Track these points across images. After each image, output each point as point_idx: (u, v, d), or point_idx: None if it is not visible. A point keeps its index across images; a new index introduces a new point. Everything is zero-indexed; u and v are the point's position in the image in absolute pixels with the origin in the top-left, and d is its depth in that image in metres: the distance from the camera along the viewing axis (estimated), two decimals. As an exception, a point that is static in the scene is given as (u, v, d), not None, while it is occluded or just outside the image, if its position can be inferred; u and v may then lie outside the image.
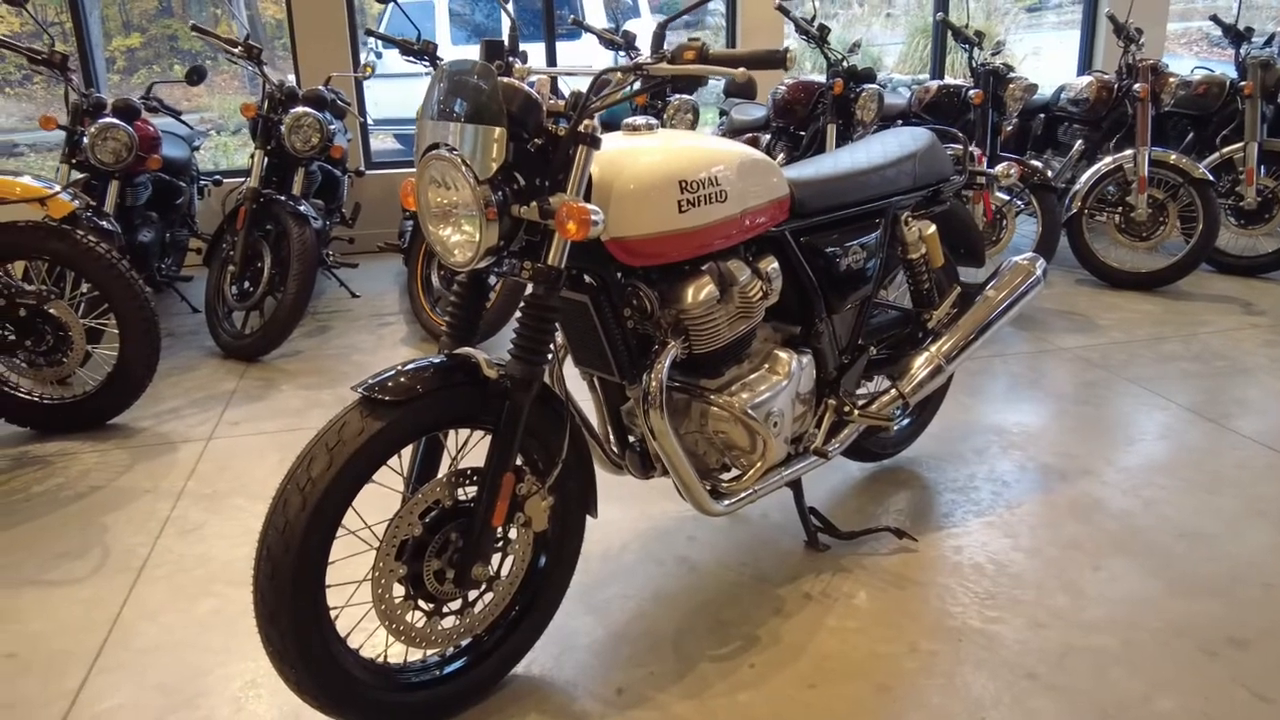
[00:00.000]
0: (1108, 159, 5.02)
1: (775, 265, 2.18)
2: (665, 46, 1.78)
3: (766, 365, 2.23)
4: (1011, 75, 4.85)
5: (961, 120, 5.05)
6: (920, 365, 2.61)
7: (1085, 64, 7.11)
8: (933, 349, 2.64)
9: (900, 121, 5.48)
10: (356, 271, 5.27)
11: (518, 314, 1.82)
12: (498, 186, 1.70)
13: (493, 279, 1.94)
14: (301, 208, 4.16)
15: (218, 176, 5.46)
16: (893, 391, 2.57)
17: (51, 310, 3.27)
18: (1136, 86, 4.92)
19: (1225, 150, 5.23)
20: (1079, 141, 5.34)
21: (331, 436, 1.64)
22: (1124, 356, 3.99)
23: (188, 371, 4.05)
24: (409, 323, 4.62)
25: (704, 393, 2.12)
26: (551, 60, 6.13)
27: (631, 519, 2.67)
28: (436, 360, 1.80)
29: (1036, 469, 2.97)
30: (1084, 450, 3.10)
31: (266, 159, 4.30)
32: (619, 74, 1.79)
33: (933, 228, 2.64)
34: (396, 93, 8.78)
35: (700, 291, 2.00)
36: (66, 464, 3.16)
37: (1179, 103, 5.43)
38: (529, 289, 1.81)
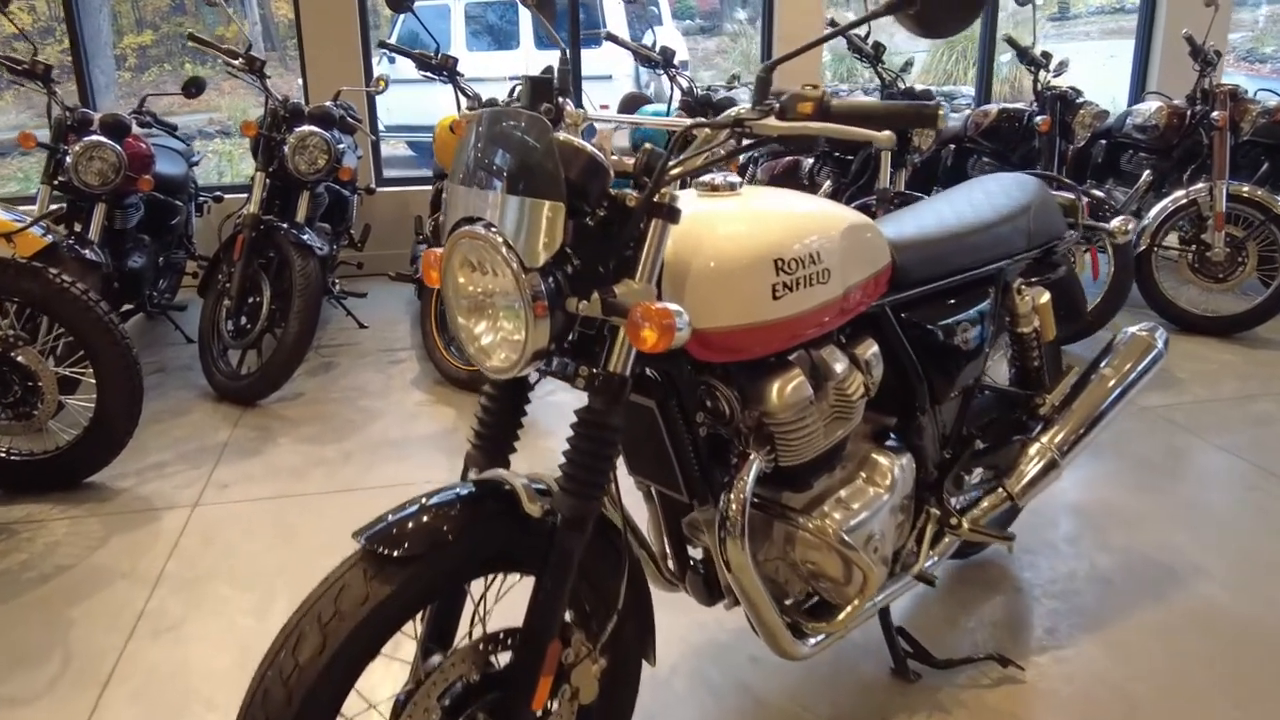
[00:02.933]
0: (1179, 192, 4.62)
1: (875, 350, 1.80)
2: (769, 95, 1.38)
3: (863, 473, 1.84)
4: (1081, 100, 4.46)
5: (1024, 148, 4.65)
6: (1031, 460, 2.21)
7: (1139, 85, 6.70)
8: (1044, 439, 2.24)
9: (953, 147, 5.08)
10: (365, 297, 4.89)
11: (570, 432, 1.43)
12: (549, 271, 1.32)
13: (533, 375, 1.54)
14: (305, 236, 3.78)
15: (218, 193, 5.08)
16: (999, 492, 2.18)
17: (19, 358, 2.89)
18: (1215, 114, 4.53)
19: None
20: (1146, 172, 4.93)
21: (326, 606, 1.25)
22: (1212, 419, 3.58)
23: (177, 416, 3.67)
24: (421, 360, 4.24)
25: (789, 513, 1.73)
26: (577, 73, 5.75)
27: (681, 629, 2.28)
28: (462, 491, 1.42)
29: (1141, 564, 2.57)
30: (1189, 539, 2.70)
31: (268, 182, 3.92)
32: (708, 129, 1.41)
33: (1046, 296, 2.25)
34: (409, 97, 8.43)
35: (790, 390, 1.61)
36: (33, 534, 2.78)
37: (1256, 131, 5.02)
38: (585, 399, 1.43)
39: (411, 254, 4.95)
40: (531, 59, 8.98)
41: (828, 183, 4.50)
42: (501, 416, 1.56)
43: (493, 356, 1.41)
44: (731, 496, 1.60)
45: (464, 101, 3.98)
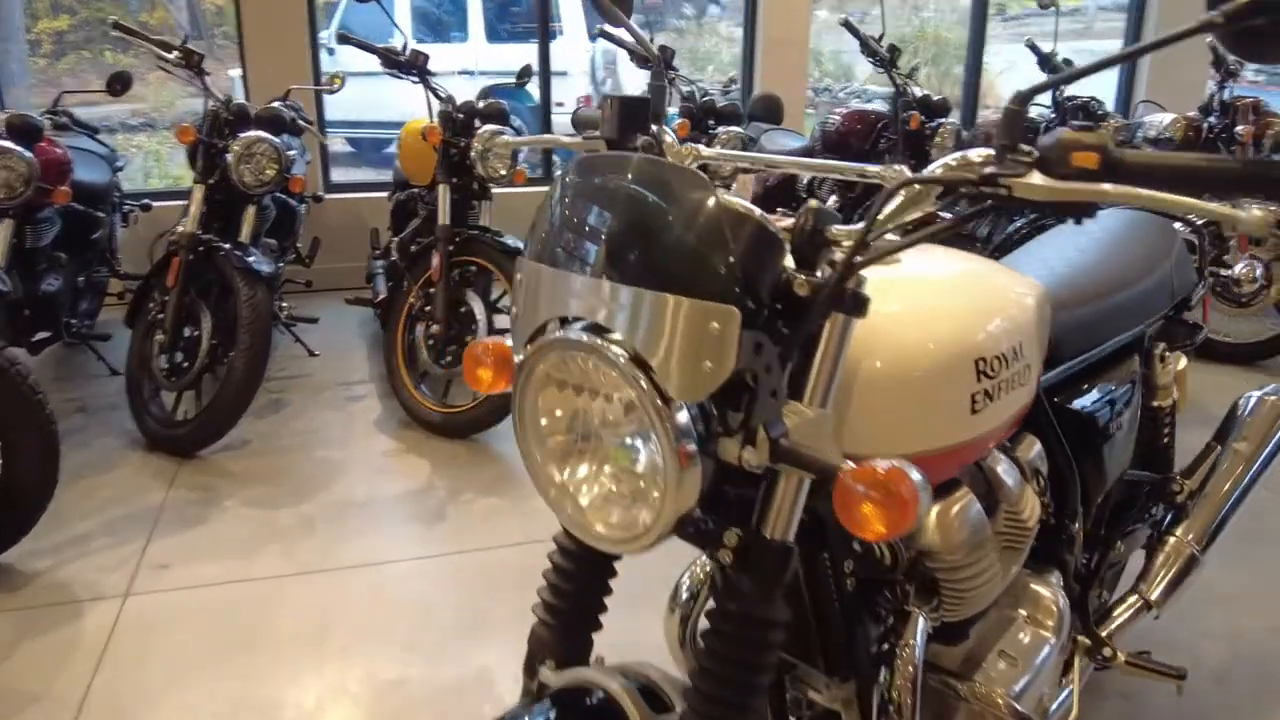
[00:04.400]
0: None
1: (1039, 449, 1.40)
2: (1014, 133, 0.95)
3: (1023, 610, 1.43)
4: (1104, 111, 4.14)
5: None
6: (1169, 558, 1.83)
7: (1125, 93, 6.46)
8: (1179, 533, 1.86)
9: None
10: (316, 323, 4.36)
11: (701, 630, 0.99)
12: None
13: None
14: (252, 259, 3.26)
15: (146, 200, 4.50)
16: (1133, 599, 1.80)
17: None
18: (1239, 129, 4.25)
19: (1324, 202, 4.58)
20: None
21: None
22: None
23: (102, 472, 3.12)
24: (384, 396, 3.73)
25: (947, 677, 1.31)
26: (545, 70, 5.27)
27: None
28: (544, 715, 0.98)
29: (1254, 653, 2.23)
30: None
31: (208, 195, 3.38)
32: (918, 185, 0.98)
33: (1185, 361, 1.88)
34: (351, 90, 7.81)
35: (964, 522, 1.20)
36: (-81, 639, 2.24)
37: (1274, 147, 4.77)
38: (716, 572, 0.99)
39: (368, 270, 4.44)
40: (481, 52, 8.46)
41: (833, 199, 4.10)
42: (582, 589, 1.12)
43: (608, 527, 0.96)
44: (896, 669, 1.18)
45: (435, 104, 3.50)
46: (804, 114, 5.77)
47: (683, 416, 0.87)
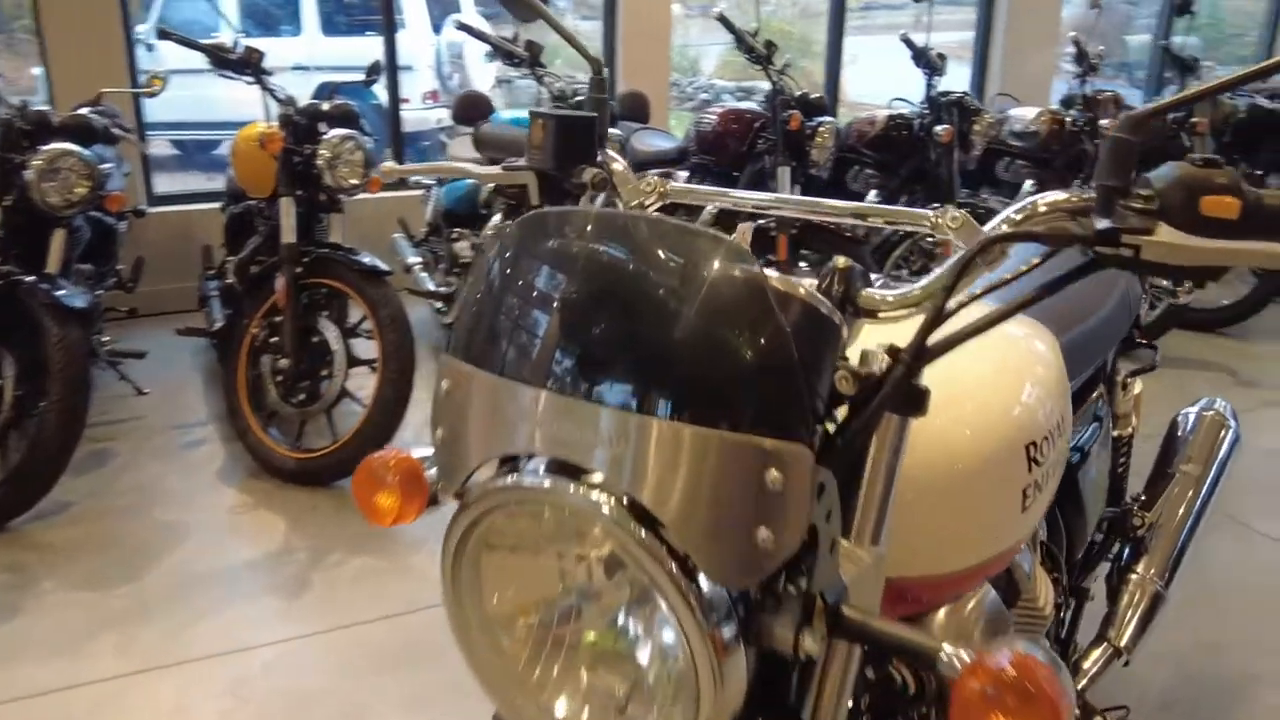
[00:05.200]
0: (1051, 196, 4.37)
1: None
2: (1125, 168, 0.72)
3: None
4: (978, 106, 4.10)
5: (915, 160, 4.24)
6: (1134, 598, 1.69)
7: (979, 85, 6.54)
8: (1140, 569, 1.72)
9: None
10: (144, 358, 3.85)
11: None
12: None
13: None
14: (62, 294, 2.79)
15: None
16: (1104, 647, 1.64)
17: None
18: (1103, 122, 4.30)
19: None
20: (1029, 181, 4.66)
21: None
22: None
23: (-120, 555, 2.60)
24: (227, 440, 3.30)
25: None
26: (393, 64, 4.85)
27: None
28: None
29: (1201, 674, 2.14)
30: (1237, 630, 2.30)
31: (6, 219, 2.88)
32: (1010, 243, 0.74)
33: (1140, 385, 1.74)
34: (178, 89, 7.11)
35: (989, 629, 0.98)
36: None
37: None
38: None
39: (201, 292, 3.96)
40: (317, 47, 7.90)
41: (789, 187, 3.82)
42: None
43: None
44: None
45: (274, 106, 3.09)
46: (668, 111, 5.57)
47: (713, 589, 0.61)
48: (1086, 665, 1.64)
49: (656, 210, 1.00)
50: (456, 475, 0.72)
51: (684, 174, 4.24)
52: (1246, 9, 9.52)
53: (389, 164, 1.45)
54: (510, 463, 0.69)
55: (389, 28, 4.78)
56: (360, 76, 3.64)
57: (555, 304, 0.66)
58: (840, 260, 0.73)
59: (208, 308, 3.73)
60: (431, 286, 3.97)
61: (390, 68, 4.78)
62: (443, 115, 7.55)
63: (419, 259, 4.17)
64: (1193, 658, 2.23)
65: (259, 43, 3.20)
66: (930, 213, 0.85)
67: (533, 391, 0.65)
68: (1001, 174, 4.87)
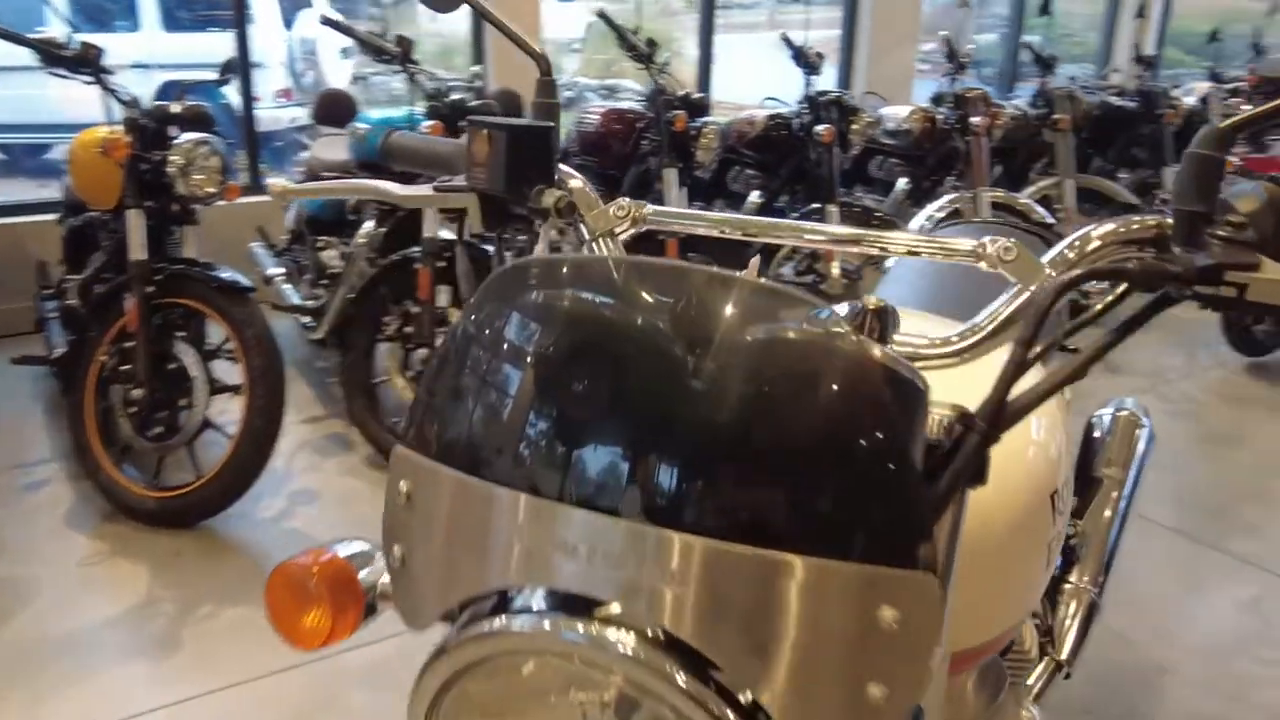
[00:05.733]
0: (942, 200, 4.43)
1: None
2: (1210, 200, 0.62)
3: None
4: (855, 105, 4.10)
5: (795, 160, 4.21)
6: (1069, 609, 1.65)
7: (845, 84, 6.62)
8: (1074, 577, 1.69)
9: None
10: (-31, 385, 3.45)
11: None
12: None
13: None
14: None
15: None
16: (1044, 663, 1.59)
17: None
18: (974, 120, 4.36)
19: (1041, 185, 4.85)
20: (903, 179, 4.70)
21: None
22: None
23: None
24: (74, 480, 2.97)
25: None
26: (245, 62, 4.51)
27: None
28: None
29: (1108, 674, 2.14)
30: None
31: None
32: (1091, 283, 0.63)
33: (1070, 393, 1.70)
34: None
35: (982, 692, 0.89)
36: None
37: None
38: None
39: (37, 314, 3.58)
40: (158, 43, 7.37)
41: (677, 189, 3.65)
42: None
43: None
44: None
45: (117, 108, 2.79)
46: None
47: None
48: (1031, 681, 1.59)
49: (627, 238, 0.86)
50: (425, 610, 0.57)
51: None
52: (1073, 10, 10.05)
53: (279, 181, 1.23)
54: (501, 596, 0.54)
55: (240, 22, 4.45)
56: (208, 74, 3.34)
57: (573, 386, 0.52)
58: (871, 300, 0.61)
59: (46, 332, 3.36)
60: (297, 300, 3.69)
61: (243, 65, 4.46)
62: (297, 114, 7.17)
63: (281, 270, 3.88)
64: (1104, 653, 2.24)
65: (92, 39, 2.88)
66: (975, 244, 0.74)
67: (539, 503, 0.50)
68: (875, 172, 4.91)
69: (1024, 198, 4.53)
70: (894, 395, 0.51)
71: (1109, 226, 0.68)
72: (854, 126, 4.12)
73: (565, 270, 0.55)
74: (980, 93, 4.50)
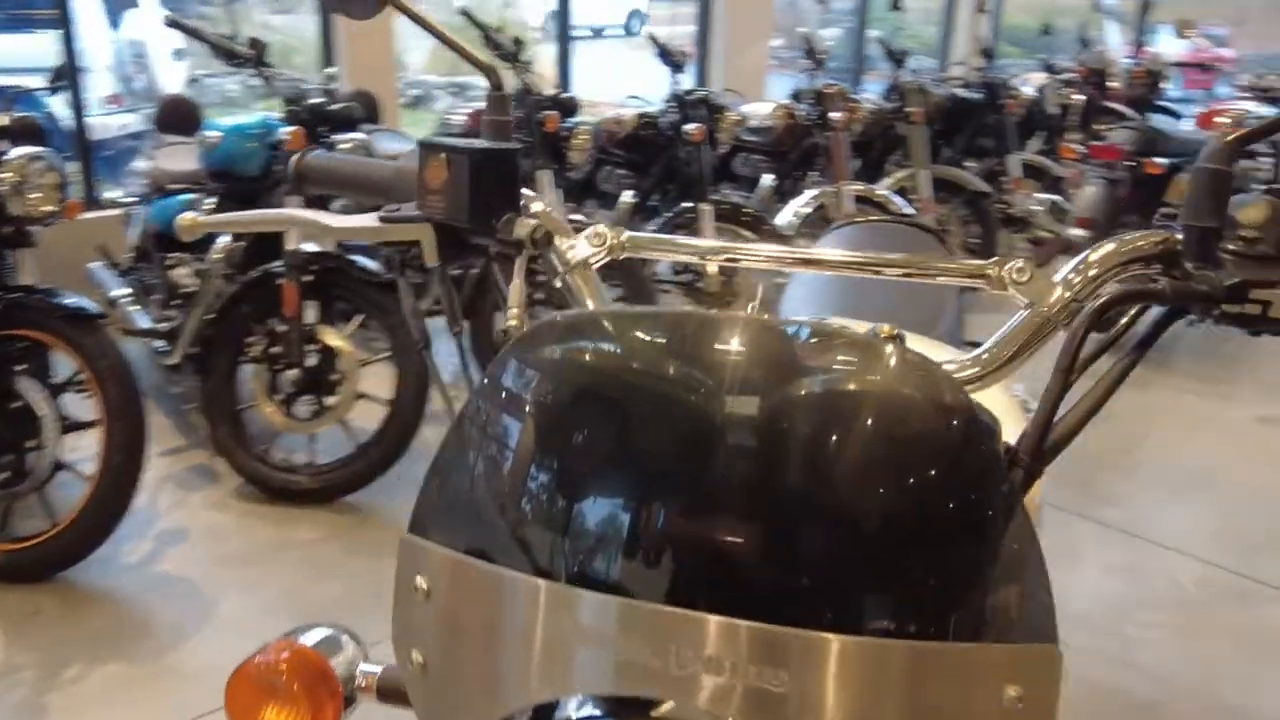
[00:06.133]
0: (808, 195, 4.52)
1: None
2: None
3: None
4: (722, 103, 4.12)
5: (664, 159, 4.19)
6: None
7: (701, 82, 6.67)
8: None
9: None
10: None
11: None
12: None
13: None
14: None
15: None
16: None
17: None
18: (833, 115, 4.46)
19: (898, 176, 5.01)
20: (768, 176, 4.76)
21: None
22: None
23: None
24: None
25: None
26: (73, 67, 4.17)
27: None
28: None
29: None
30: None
31: None
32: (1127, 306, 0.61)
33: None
34: None
35: None
36: None
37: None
38: None
39: None
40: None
41: (552, 191, 3.54)
42: None
43: None
44: None
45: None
46: (399, 111, 5.23)
47: None
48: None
49: (600, 266, 0.79)
50: None
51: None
52: (910, 5, 10.49)
53: (190, 214, 1.04)
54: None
55: (65, 23, 4.11)
56: (35, 82, 3.07)
57: (636, 464, 0.46)
58: (885, 327, 0.57)
59: None
60: (147, 323, 3.44)
61: (72, 70, 4.12)
62: (127, 121, 6.73)
63: (127, 291, 3.60)
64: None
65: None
66: (989, 264, 0.71)
67: (605, 600, 0.44)
68: (740, 169, 4.95)
69: (882, 189, 4.67)
70: (993, 453, 0.47)
71: (1111, 246, 0.67)
72: (722, 125, 4.14)
73: (605, 328, 0.49)
74: (839, 88, 4.61)
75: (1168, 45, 7.51)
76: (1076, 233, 4.50)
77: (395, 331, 2.91)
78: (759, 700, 0.44)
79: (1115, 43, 6.96)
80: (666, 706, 0.45)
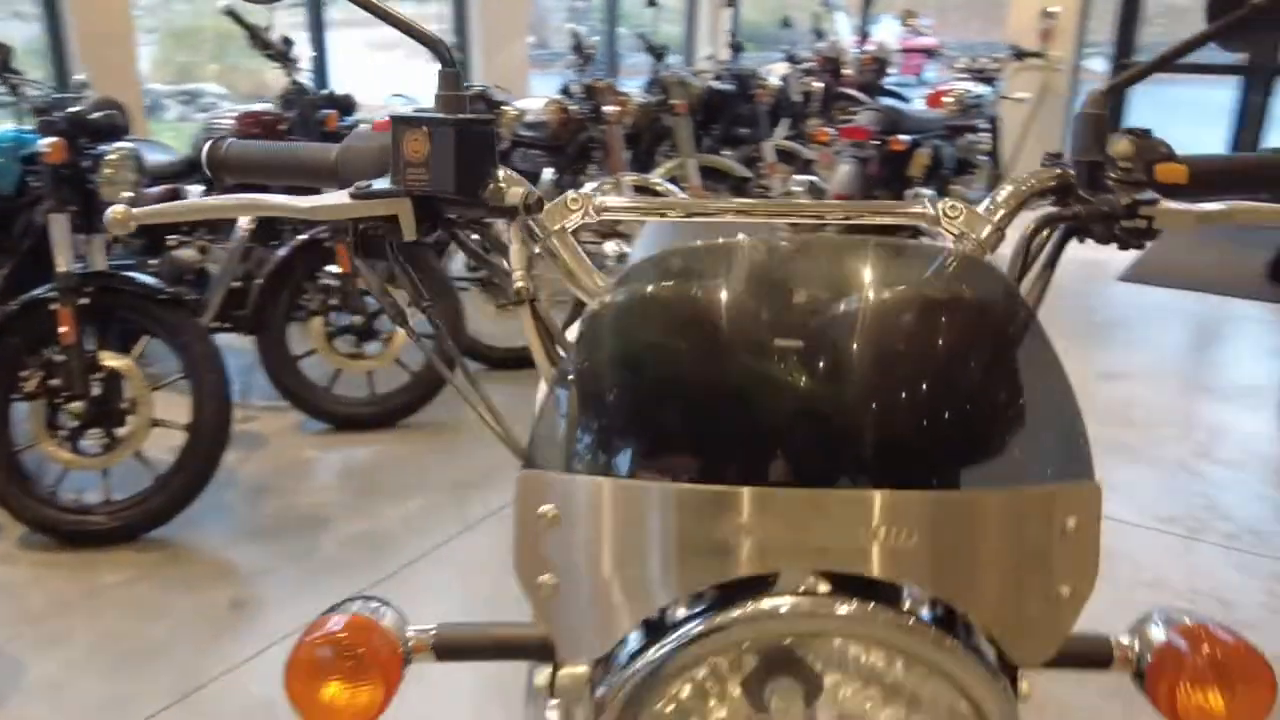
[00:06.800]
0: (587, 187, 4.61)
1: None
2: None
3: None
4: (500, 99, 4.14)
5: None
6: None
7: (466, 77, 6.64)
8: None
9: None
10: None
11: None
12: None
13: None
14: None
15: None
16: None
17: None
18: (608, 109, 4.59)
19: (668, 166, 5.21)
20: (548, 170, 4.82)
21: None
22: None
23: None
24: None
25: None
26: None
27: None
28: None
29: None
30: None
31: None
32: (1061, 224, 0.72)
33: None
34: None
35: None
36: None
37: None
38: None
39: None
40: None
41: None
42: None
43: None
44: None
45: None
46: (146, 121, 4.86)
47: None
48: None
49: (573, 228, 0.82)
50: (606, 633, 0.54)
51: (198, 189, 3.74)
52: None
53: (120, 207, 0.90)
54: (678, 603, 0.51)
55: None
56: None
57: (757, 369, 0.51)
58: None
59: None
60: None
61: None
62: None
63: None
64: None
65: None
66: (926, 205, 0.79)
67: (755, 492, 0.49)
68: (520, 164, 4.99)
69: (656, 178, 4.84)
70: (1036, 323, 0.56)
71: (1011, 187, 0.78)
72: (502, 120, 4.15)
73: (713, 256, 0.53)
74: (608, 83, 4.73)
75: (889, 34, 8.22)
76: (835, 208, 4.86)
77: (186, 349, 2.74)
78: (890, 556, 0.51)
79: (846, 33, 7.53)
80: (785, 581, 0.51)
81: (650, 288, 0.56)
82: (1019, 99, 5.42)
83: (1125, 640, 0.58)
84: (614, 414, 0.54)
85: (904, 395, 0.53)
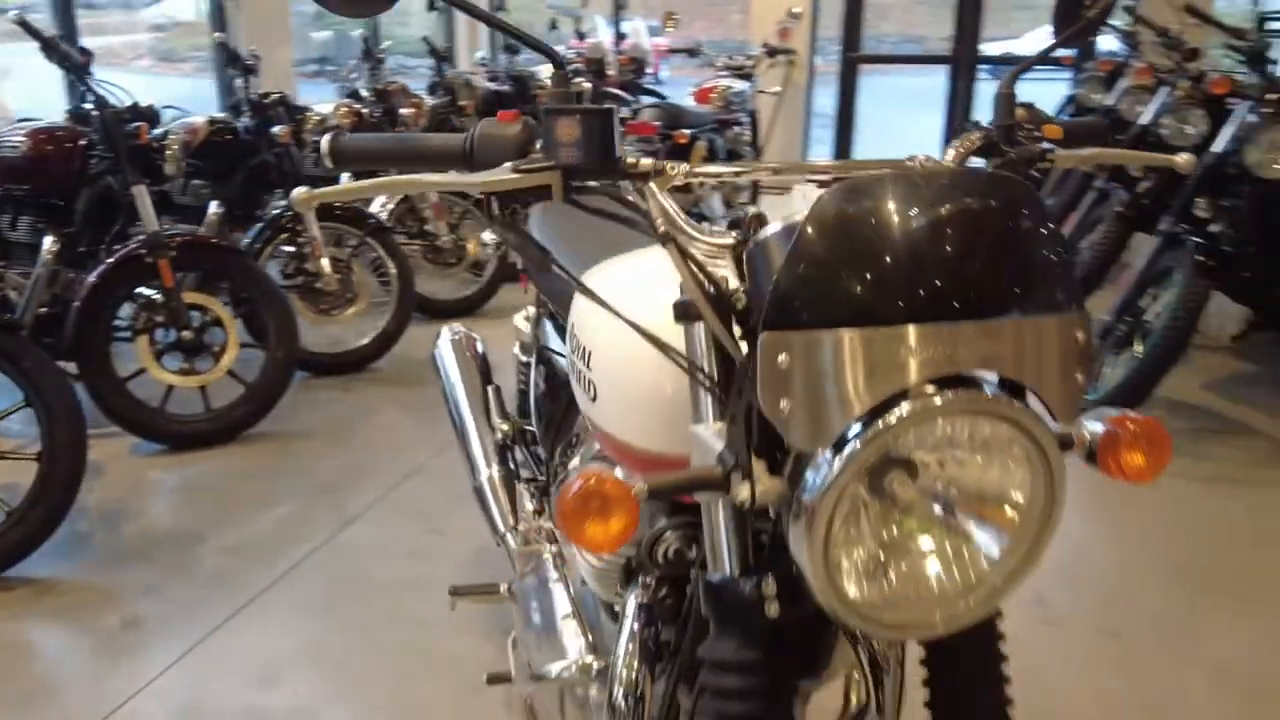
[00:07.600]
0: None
1: None
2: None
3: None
4: (302, 104, 4.13)
5: (249, 166, 4.09)
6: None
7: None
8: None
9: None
10: None
11: None
12: None
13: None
14: None
15: None
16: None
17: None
18: (404, 111, 4.67)
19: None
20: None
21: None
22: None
23: None
24: None
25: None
26: None
27: None
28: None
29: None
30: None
31: None
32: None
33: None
34: None
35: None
36: None
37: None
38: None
39: None
40: None
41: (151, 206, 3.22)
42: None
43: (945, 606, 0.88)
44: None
45: None
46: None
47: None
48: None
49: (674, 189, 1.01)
50: (826, 431, 0.80)
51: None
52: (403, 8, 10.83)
53: (303, 189, 0.91)
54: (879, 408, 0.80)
55: None
56: None
57: (919, 250, 0.80)
58: (752, 209, 0.93)
59: None
60: None
61: None
62: None
63: None
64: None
65: None
66: (903, 160, 1.07)
67: (926, 327, 0.79)
68: (315, 171, 4.95)
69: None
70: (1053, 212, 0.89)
71: (959, 143, 1.12)
72: (306, 125, 4.14)
73: (880, 185, 0.82)
74: (400, 85, 4.81)
75: (642, 35, 8.67)
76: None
77: (30, 375, 2.62)
78: (995, 359, 0.82)
79: (605, 35, 7.90)
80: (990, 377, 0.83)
81: (831, 212, 0.81)
82: (772, 93, 5.96)
83: (1082, 431, 0.90)
84: (809, 289, 0.81)
85: (1004, 262, 0.84)
